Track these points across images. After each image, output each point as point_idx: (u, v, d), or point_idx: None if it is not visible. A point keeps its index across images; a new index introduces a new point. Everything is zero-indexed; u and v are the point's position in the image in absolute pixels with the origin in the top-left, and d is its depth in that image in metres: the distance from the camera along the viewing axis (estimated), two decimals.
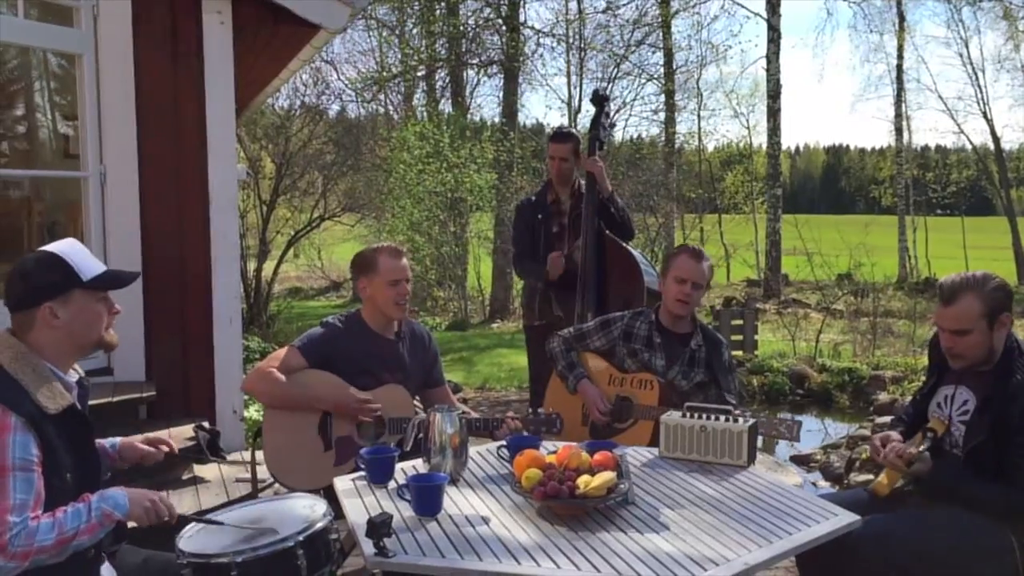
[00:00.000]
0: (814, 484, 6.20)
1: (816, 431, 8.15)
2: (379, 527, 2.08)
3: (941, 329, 2.77)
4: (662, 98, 22.67)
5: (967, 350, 2.71)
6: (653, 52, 22.03)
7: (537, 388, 4.92)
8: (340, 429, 3.28)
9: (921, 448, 2.66)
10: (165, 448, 2.59)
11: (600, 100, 5.07)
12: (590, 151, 4.92)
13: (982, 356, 2.71)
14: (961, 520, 2.60)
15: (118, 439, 2.59)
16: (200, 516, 2.37)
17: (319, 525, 2.25)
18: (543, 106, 59.17)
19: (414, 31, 20.72)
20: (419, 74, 20.91)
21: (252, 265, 14.62)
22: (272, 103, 15.94)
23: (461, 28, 19.26)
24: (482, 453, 2.96)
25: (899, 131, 27.45)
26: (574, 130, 5.30)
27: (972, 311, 2.66)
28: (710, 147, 30.61)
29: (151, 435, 2.63)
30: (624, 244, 4.85)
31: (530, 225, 5.02)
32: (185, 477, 4.47)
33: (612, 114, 5.33)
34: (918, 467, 2.66)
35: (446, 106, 21.28)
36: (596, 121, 4.99)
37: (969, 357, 2.72)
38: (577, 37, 21.52)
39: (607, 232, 4.83)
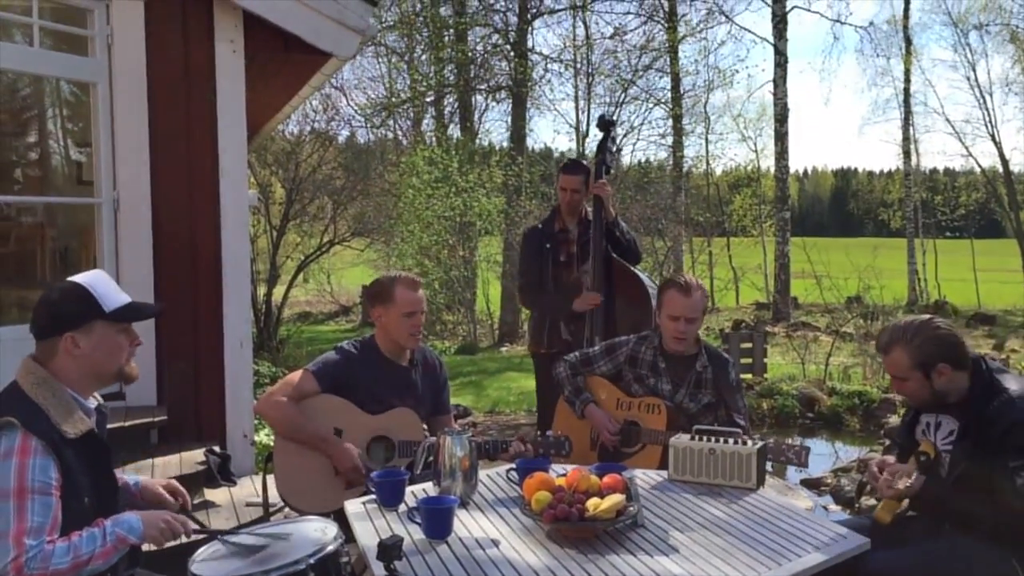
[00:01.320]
0: (825, 508, 6.17)
1: (826, 455, 8.10)
2: (390, 550, 2.10)
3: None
4: (670, 122, 22.77)
5: (910, 394, 2.83)
6: (660, 77, 22.18)
7: (545, 415, 4.91)
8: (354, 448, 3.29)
9: (909, 483, 2.66)
10: (180, 500, 2.62)
11: (606, 125, 5.10)
12: (597, 175, 4.94)
13: (926, 398, 2.79)
14: (968, 550, 2.61)
15: (141, 478, 2.62)
16: (217, 530, 2.39)
17: (330, 548, 2.25)
18: (551, 131, 59.24)
19: (423, 57, 20.90)
20: (428, 100, 21.05)
21: (262, 290, 14.66)
22: (282, 129, 16.06)
23: (469, 54, 19.41)
24: (492, 476, 2.97)
25: (907, 154, 27.46)
26: (584, 161, 5.29)
27: (902, 363, 2.76)
28: (718, 171, 30.69)
29: (171, 484, 2.65)
30: (631, 268, 4.87)
31: (538, 253, 4.99)
32: (196, 501, 4.48)
33: (619, 139, 5.38)
34: (911, 487, 2.66)
35: (455, 131, 21.41)
36: (603, 145, 5.02)
37: (914, 399, 2.84)
38: (585, 62, 21.70)
39: (614, 256, 4.85)
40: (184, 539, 2.35)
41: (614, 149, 5.14)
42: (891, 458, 2.88)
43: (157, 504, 2.59)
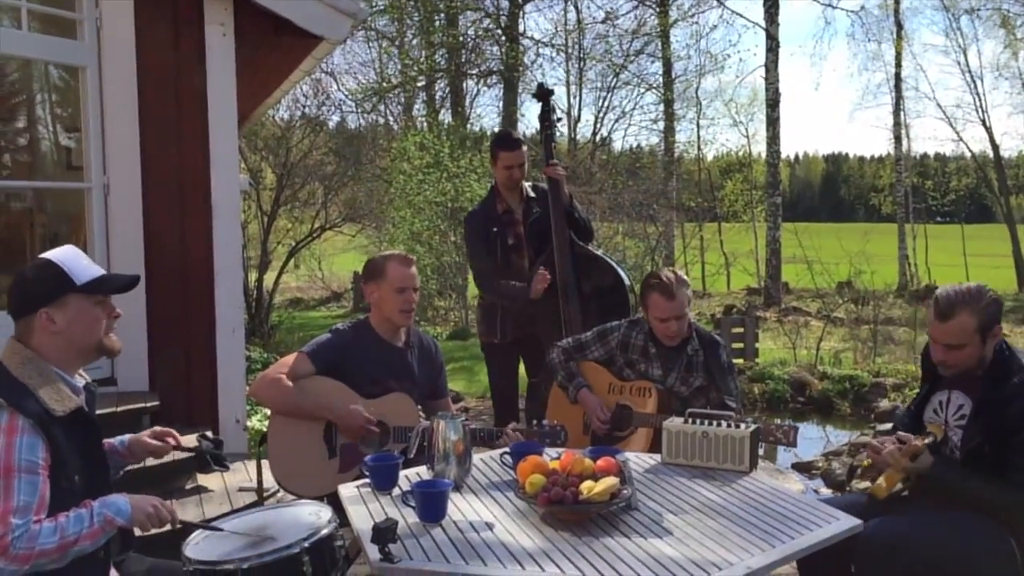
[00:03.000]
0: (816, 491, 6.21)
1: (817, 438, 8.15)
2: (384, 533, 2.10)
3: (935, 341, 2.80)
4: (661, 107, 22.79)
5: (960, 362, 2.76)
6: (652, 62, 22.17)
7: (505, 408, 4.83)
8: (345, 436, 3.30)
9: (926, 442, 2.68)
10: (172, 441, 2.62)
11: (545, 94, 4.89)
12: (547, 155, 4.77)
13: (974, 366, 2.76)
14: (962, 524, 2.63)
15: (127, 436, 2.62)
16: (203, 524, 2.39)
17: (324, 532, 2.26)
18: (536, 108, 58.68)
19: (414, 42, 20.83)
20: (419, 84, 21.00)
21: (253, 276, 14.64)
22: (273, 114, 16.00)
23: (460, 39, 19.35)
24: (485, 460, 2.97)
25: (898, 139, 27.51)
26: (519, 136, 4.95)
27: (968, 327, 2.71)
28: (709, 156, 30.75)
29: (158, 428, 2.66)
30: (591, 248, 4.73)
31: (485, 238, 4.71)
32: (188, 487, 4.49)
33: (557, 109, 5.11)
34: (920, 461, 2.67)
35: (446, 116, 21.35)
36: (547, 118, 4.84)
37: (960, 367, 2.78)
38: (576, 47, 21.66)
39: (575, 239, 4.67)
40: (171, 528, 2.35)
41: (555, 119, 4.88)
42: (892, 437, 2.89)
43: (146, 456, 2.60)
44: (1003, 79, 36.34)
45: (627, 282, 4.68)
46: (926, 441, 2.70)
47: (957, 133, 30.50)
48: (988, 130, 28.83)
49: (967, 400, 2.77)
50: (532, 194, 4.77)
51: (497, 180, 4.79)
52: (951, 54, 39.61)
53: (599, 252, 4.83)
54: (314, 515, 2.38)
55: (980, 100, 32.25)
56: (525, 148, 4.74)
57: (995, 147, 29.00)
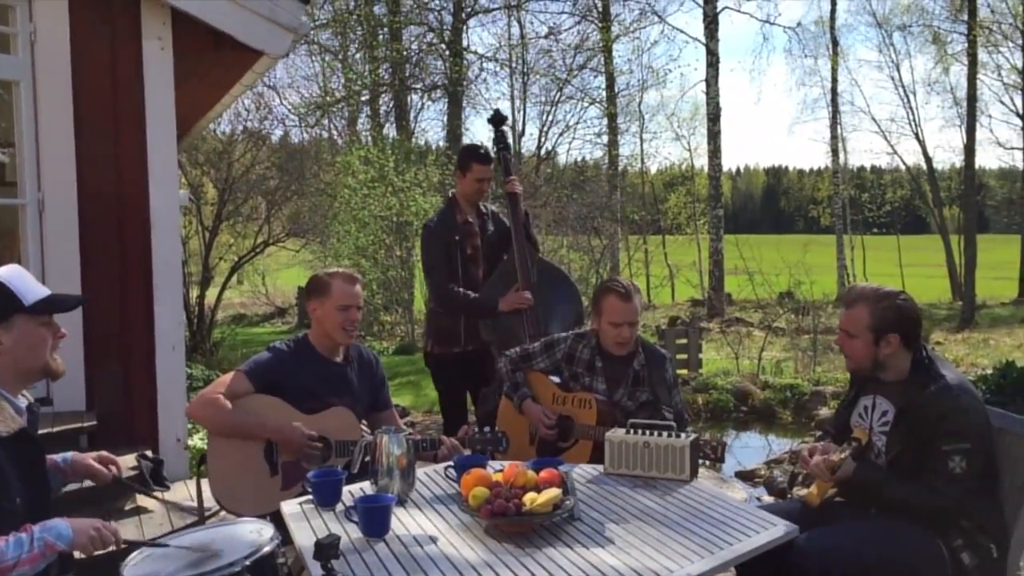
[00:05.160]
0: (758, 499, 6.30)
1: (760, 447, 8.28)
2: (326, 549, 2.09)
3: (839, 327, 2.97)
4: (605, 121, 23.03)
5: (851, 352, 2.91)
6: (595, 76, 22.43)
7: (454, 420, 4.83)
8: (286, 454, 3.27)
9: (843, 455, 2.76)
10: (115, 469, 2.58)
11: (502, 120, 5.08)
12: (505, 172, 4.89)
13: (866, 363, 2.88)
14: (893, 531, 2.70)
15: (71, 453, 2.57)
16: (149, 541, 2.35)
17: (266, 549, 2.23)
18: (487, 130, 59.10)
19: (357, 56, 20.77)
20: (363, 99, 20.94)
21: (195, 292, 14.41)
22: (214, 128, 15.81)
23: (404, 53, 19.35)
24: (429, 473, 2.98)
25: (835, 152, 28.15)
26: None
27: (860, 320, 2.84)
28: (653, 169, 31.17)
29: (104, 454, 2.61)
30: (549, 261, 4.89)
31: (446, 248, 4.72)
32: (128, 507, 4.41)
33: (527, 135, 5.36)
34: (842, 472, 2.75)
35: (390, 130, 21.32)
36: (503, 140, 5.02)
37: (853, 359, 2.92)
38: (520, 62, 21.79)
39: (539, 255, 4.85)
40: (115, 548, 2.31)
41: (508, 142, 5.09)
42: (822, 445, 2.96)
43: (87, 477, 2.55)
44: (935, 94, 37.47)
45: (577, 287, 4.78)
46: (844, 455, 2.76)
47: (892, 146, 31.42)
48: (921, 143, 29.70)
49: (891, 406, 2.85)
50: (485, 211, 4.89)
51: (462, 192, 4.84)
52: (885, 69, 40.64)
53: (559, 265, 4.94)
54: (255, 532, 2.35)
55: (913, 114, 33.19)
56: (493, 164, 4.87)
57: (928, 160, 29.84)
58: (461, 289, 4.69)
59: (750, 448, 8.21)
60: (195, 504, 3.90)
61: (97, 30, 4.83)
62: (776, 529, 2.42)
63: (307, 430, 3.21)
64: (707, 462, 3.47)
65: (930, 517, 2.68)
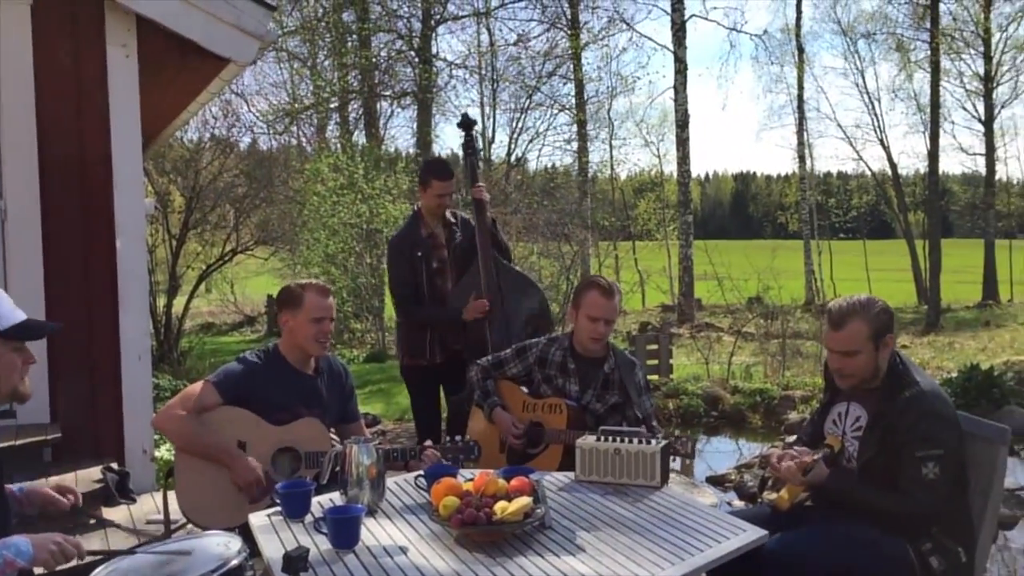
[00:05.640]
0: (729, 504, 6.32)
1: (730, 452, 8.31)
2: (295, 561, 2.07)
3: (830, 351, 2.90)
4: (574, 128, 23.10)
5: (856, 370, 2.84)
6: (564, 83, 22.51)
7: (427, 429, 4.82)
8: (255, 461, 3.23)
9: (816, 457, 2.77)
10: (71, 498, 2.53)
11: (471, 125, 5.06)
12: (471, 178, 4.89)
13: (869, 375, 2.85)
14: (861, 535, 2.71)
15: (25, 484, 2.52)
16: (112, 552, 2.32)
17: (234, 563, 2.20)
18: (457, 137, 59.10)
19: (326, 63, 20.68)
20: (332, 106, 20.85)
21: (162, 301, 14.27)
22: (181, 136, 15.68)
23: (373, 60, 19.30)
24: (400, 483, 2.96)
25: (802, 158, 28.45)
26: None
27: (860, 334, 2.80)
28: (622, 175, 31.27)
29: (60, 483, 2.57)
30: (516, 268, 4.87)
31: (410, 262, 4.77)
32: (93, 521, 4.34)
33: (496, 142, 5.33)
34: (814, 475, 2.76)
35: (360, 137, 21.25)
36: (472, 146, 5.00)
37: (858, 376, 2.86)
38: (489, 69, 21.81)
39: (499, 259, 4.79)
40: (78, 561, 2.27)
41: (478, 147, 5.12)
42: (792, 451, 2.97)
43: (45, 507, 2.50)
44: (899, 100, 37.96)
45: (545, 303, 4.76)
46: (816, 457, 2.78)
47: (857, 152, 31.75)
48: (886, 149, 30.02)
49: (864, 412, 2.87)
50: (453, 220, 4.88)
51: (424, 206, 4.86)
52: (850, 76, 40.98)
53: (524, 271, 4.91)
54: (223, 546, 2.32)
55: (878, 120, 33.52)
56: (454, 178, 4.87)
57: (893, 166, 30.19)
58: (429, 307, 4.77)
59: (720, 453, 8.24)
60: (162, 517, 3.85)
61: (60, 37, 4.77)
62: (746, 534, 2.43)
63: (260, 473, 3.17)
64: (677, 459, 3.49)
65: (901, 523, 2.70)
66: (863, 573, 2.67)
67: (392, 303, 5.11)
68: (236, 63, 5.10)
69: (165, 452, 5.48)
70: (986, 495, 2.79)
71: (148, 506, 4.52)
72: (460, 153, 5.15)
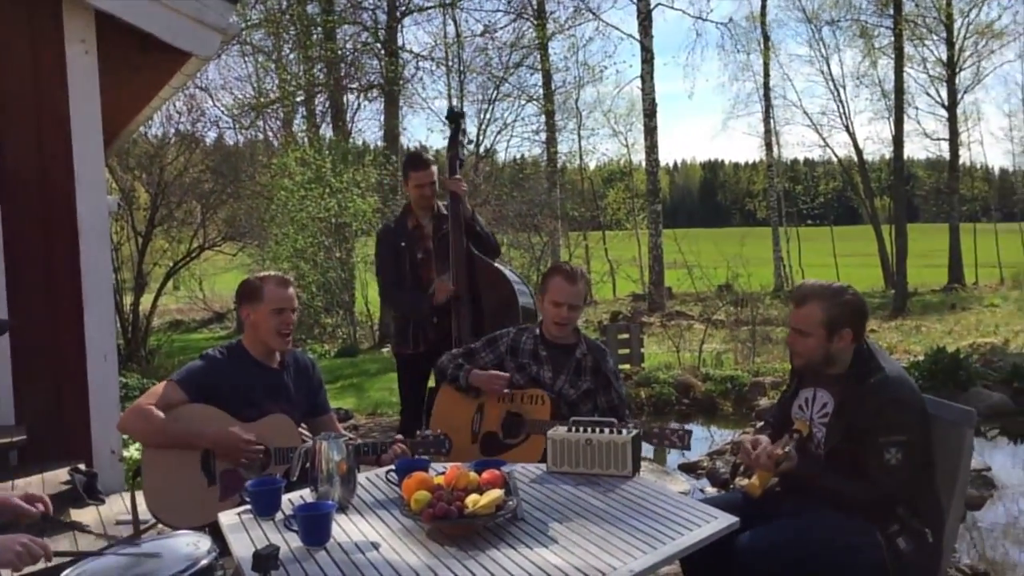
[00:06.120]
0: (702, 490, 6.37)
1: (703, 439, 8.37)
2: (265, 560, 2.05)
3: (789, 326, 2.98)
4: (542, 118, 23.08)
5: (803, 351, 2.91)
6: (532, 73, 22.45)
7: (411, 418, 4.89)
8: (225, 462, 3.20)
9: (787, 449, 2.79)
10: (41, 506, 2.49)
11: (456, 118, 5.05)
12: (451, 171, 4.91)
13: (818, 359, 2.89)
14: (832, 523, 2.74)
15: None
16: (80, 553, 2.29)
17: (203, 562, 2.18)
18: (425, 129, 59.02)
19: (291, 56, 20.49)
20: (298, 99, 20.66)
21: (129, 299, 14.11)
22: (145, 131, 15.50)
23: (339, 52, 19.15)
24: (371, 479, 2.94)
25: (769, 146, 28.65)
26: (429, 155, 5.19)
27: (814, 317, 2.84)
28: (591, 165, 31.33)
29: (28, 491, 2.53)
30: (493, 262, 4.88)
31: (394, 252, 4.90)
32: (62, 522, 4.28)
33: (468, 131, 5.33)
34: (785, 466, 2.79)
35: (327, 131, 21.10)
36: (454, 139, 4.99)
37: (805, 357, 2.92)
38: (456, 60, 21.72)
39: (474, 252, 4.84)
40: (45, 563, 2.24)
41: (465, 142, 5.10)
42: (763, 437, 3.00)
43: (13, 516, 2.46)
44: (863, 87, 38.26)
45: (521, 301, 4.72)
46: (787, 449, 2.80)
47: (824, 139, 31.95)
48: (852, 136, 30.35)
49: (830, 399, 2.89)
50: (444, 212, 4.91)
51: (411, 199, 4.99)
52: (815, 64, 41.45)
53: (502, 266, 4.90)
54: (192, 546, 2.30)
55: (843, 107, 33.85)
56: (435, 168, 4.95)
57: (859, 152, 30.52)
58: (403, 293, 4.88)
59: (693, 440, 8.29)
60: (131, 518, 3.80)
61: (17, 34, 4.69)
62: (718, 521, 2.44)
63: (246, 434, 3.15)
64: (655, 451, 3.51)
65: (867, 508, 2.73)
66: (834, 560, 2.69)
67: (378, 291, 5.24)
68: (198, 57, 5.04)
69: (134, 452, 5.42)
70: (953, 477, 2.82)
71: (117, 507, 4.47)
72: (444, 144, 5.19)
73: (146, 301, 14.74)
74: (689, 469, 6.94)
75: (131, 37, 4.85)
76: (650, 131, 21.11)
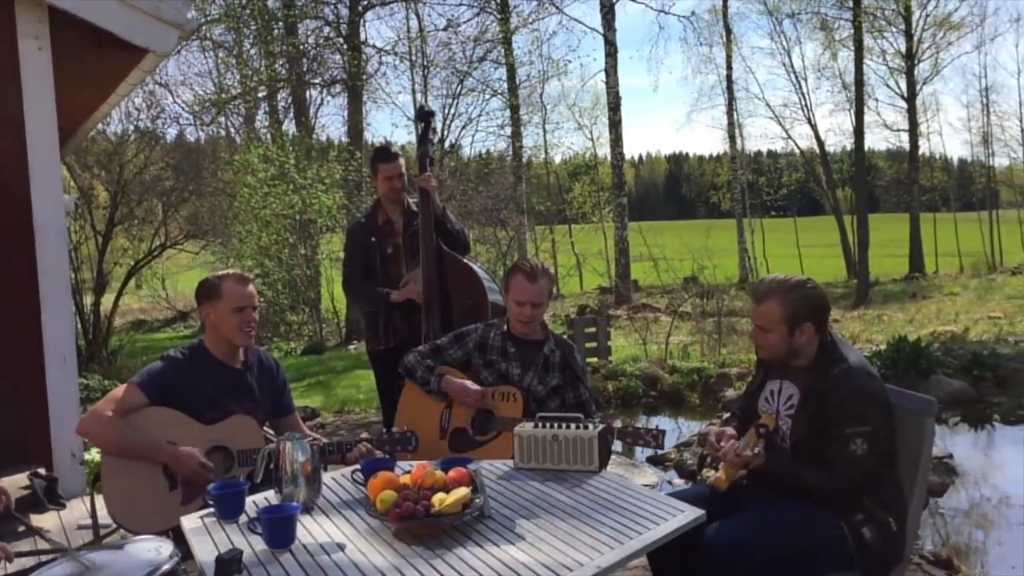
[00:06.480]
0: (670, 483, 6.40)
1: (670, 431, 8.41)
2: (228, 564, 2.02)
3: (752, 322, 2.99)
4: (507, 113, 23.06)
5: (768, 345, 2.92)
6: (496, 68, 22.39)
7: (391, 412, 4.88)
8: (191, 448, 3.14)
9: (757, 450, 2.80)
10: (3, 499, 2.44)
11: (426, 116, 5.04)
12: (421, 168, 4.89)
13: (782, 353, 2.90)
14: (797, 514, 2.75)
15: None
16: (41, 551, 2.25)
17: (165, 567, 2.14)
18: (390, 124, 58.72)
19: (252, 51, 20.28)
20: (260, 95, 20.46)
21: (89, 299, 13.91)
22: (103, 128, 15.28)
23: (301, 47, 18.98)
24: (336, 479, 2.91)
25: (732, 138, 28.87)
26: (396, 149, 5.15)
27: (774, 314, 2.84)
28: (557, 159, 31.39)
29: None
30: (463, 259, 4.85)
31: (364, 248, 4.89)
32: (21, 529, 4.21)
33: (439, 129, 5.33)
34: (754, 463, 2.80)
35: (290, 127, 20.94)
36: (424, 137, 4.98)
37: (769, 351, 2.93)
38: (420, 55, 21.61)
39: (445, 248, 4.81)
40: (7, 565, 2.19)
41: (435, 139, 5.10)
42: (729, 429, 3.01)
43: None
44: (824, 79, 38.60)
45: (490, 297, 4.70)
46: (756, 450, 2.81)
47: (786, 131, 32.26)
48: (814, 127, 30.68)
49: (796, 390, 2.91)
50: (414, 208, 4.89)
51: (379, 193, 4.98)
52: (777, 56, 41.70)
53: (472, 262, 4.88)
54: (154, 551, 2.26)
55: (805, 99, 34.20)
56: (403, 160, 4.93)
57: (820, 143, 30.84)
58: (367, 287, 4.86)
59: (666, 433, 8.33)
60: (91, 522, 3.74)
61: None
62: (684, 515, 2.44)
63: (202, 457, 3.10)
64: (646, 449, 3.52)
65: (834, 498, 2.75)
66: (800, 551, 2.71)
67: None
68: (155, 53, 4.96)
69: (95, 455, 5.34)
70: (915, 465, 2.85)
71: (79, 511, 4.41)
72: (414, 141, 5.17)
73: (107, 301, 14.55)
74: (657, 462, 6.98)
75: (86, 33, 4.76)
76: (615, 124, 21.16)
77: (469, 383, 3.65)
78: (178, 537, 2.49)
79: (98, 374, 10.23)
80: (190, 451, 3.08)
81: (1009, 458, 7.16)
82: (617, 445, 4.14)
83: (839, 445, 2.70)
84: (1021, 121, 30.19)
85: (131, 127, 16.15)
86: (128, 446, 3.08)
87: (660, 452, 7.12)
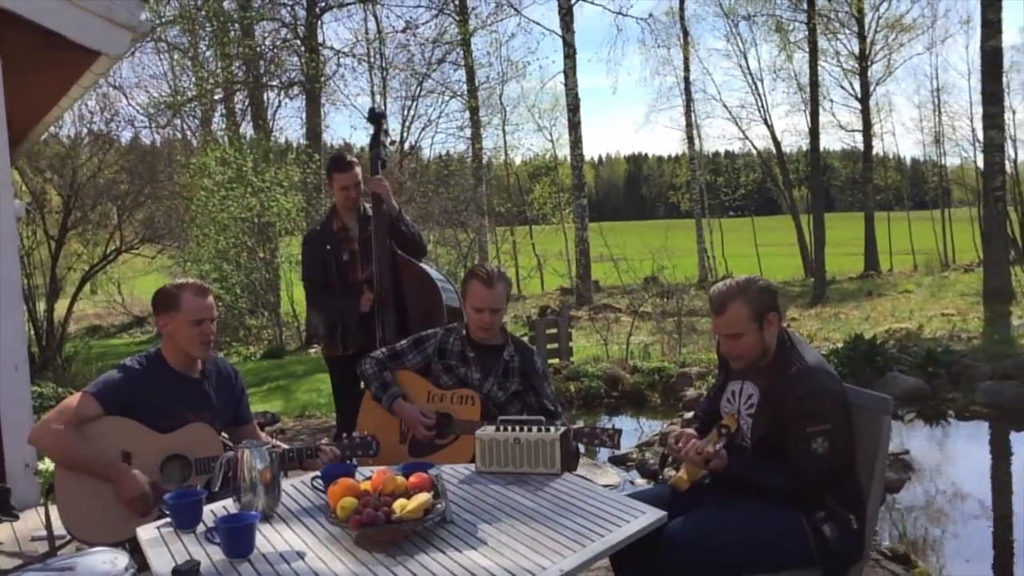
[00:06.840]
0: (632, 482, 6.42)
1: (632, 431, 8.45)
2: (185, 575, 1.99)
3: (718, 335, 2.96)
4: (467, 114, 23.06)
5: (744, 351, 2.88)
6: (455, 70, 22.40)
7: (346, 419, 4.80)
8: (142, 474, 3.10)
9: (718, 447, 2.82)
10: None
11: (377, 118, 5.01)
12: (372, 170, 4.86)
13: (759, 353, 2.90)
14: (758, 512, 2.77)
15: None
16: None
17: None
18: (349, 126, 58.36)
19: (208, 53, 20.06)
20: (216, 97, 20.24)
21: (42, 305, 13.65)
22: (56, 131, 15.02)
23: (258, 49, 18.81)
24: (296, 486, 2.88)
25: (691, 139, 29.11)
26: (353, 157, 5.13)
27: (741, 316, 2.84)
28: (517, 160, 31.45)
29: None
30: (418, 262, 4.83)
31: (319, 256, 4.87)
32: None
33: (392, 131, 5.31)
34: (715, 463, 2.82)
35: (247, 129, 20.74)
36: (376, 139, 4.94)
37: (747, 356, 2.90)
38: (378, 56, 21.53)
39: (399, 252, 4.77)
40: None
41: (387, 142, 5.06)
42: (690, 430, 3.02)
43: None
44: (780, 80, 39.17)
45: (444, 298, 4.68)
46: (717, 448, 2.82)
47: (743, 132, 32.63)
48: (770, 128, 31.08)
49: (756, 390, 2.93)
50: (370, 213, 4.85)
51: (336, 200, 4.96)
52: (733, 58, 42.11)
53: (427, 266, 4.85)
54: (109, 563, 2.23)
55: (761, 100, 34.56)
56: (359, 169, 4.90)
57: (777, 144, 31.22)
58: (331, 299, 4.87)
59: (623, 432, 8.37)
60: (46, 534, 3.67)
61: None
62: (646, 517, 2.45)
63: (146, 486, 3.04)
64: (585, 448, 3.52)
65: (795, 497, 2.77)
66: (761, 548, 2.73)
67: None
68: (107, 56, 4.89)
69: (50, 465, 5.24)
70: (872, 462, 2.88)
71: (33, 522, 4.33)
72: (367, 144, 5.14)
73: (61, 307, 14.28)
74: (619, 462, 7.00)
75: (35, 35, 4.67)
76: (574, 126, 21.25)
77: (423, 413, 3.61)
78: (134, 548, 2.45)
79: (52, 382, 10.04)
80: (138, 479, 3.03)
81: (963, 453, 7.29)
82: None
83: (800, 444, 2.73)
84: (972, 121, 30.68)
85: (84, 130, 15.92)
86: (78, 460, 3.02)
87: (618, 452, 7.14)
